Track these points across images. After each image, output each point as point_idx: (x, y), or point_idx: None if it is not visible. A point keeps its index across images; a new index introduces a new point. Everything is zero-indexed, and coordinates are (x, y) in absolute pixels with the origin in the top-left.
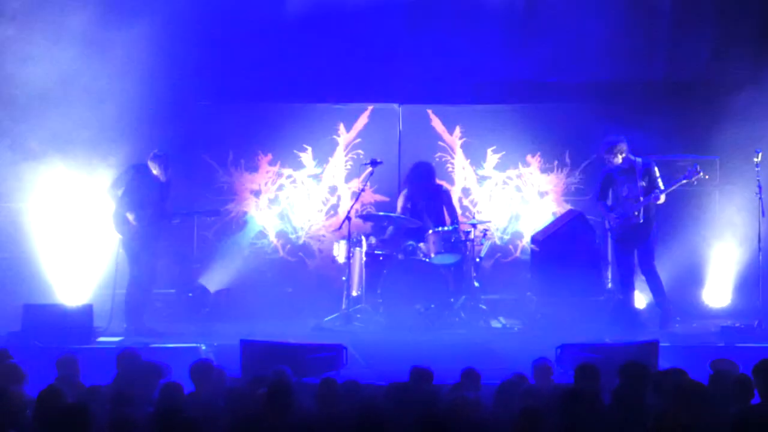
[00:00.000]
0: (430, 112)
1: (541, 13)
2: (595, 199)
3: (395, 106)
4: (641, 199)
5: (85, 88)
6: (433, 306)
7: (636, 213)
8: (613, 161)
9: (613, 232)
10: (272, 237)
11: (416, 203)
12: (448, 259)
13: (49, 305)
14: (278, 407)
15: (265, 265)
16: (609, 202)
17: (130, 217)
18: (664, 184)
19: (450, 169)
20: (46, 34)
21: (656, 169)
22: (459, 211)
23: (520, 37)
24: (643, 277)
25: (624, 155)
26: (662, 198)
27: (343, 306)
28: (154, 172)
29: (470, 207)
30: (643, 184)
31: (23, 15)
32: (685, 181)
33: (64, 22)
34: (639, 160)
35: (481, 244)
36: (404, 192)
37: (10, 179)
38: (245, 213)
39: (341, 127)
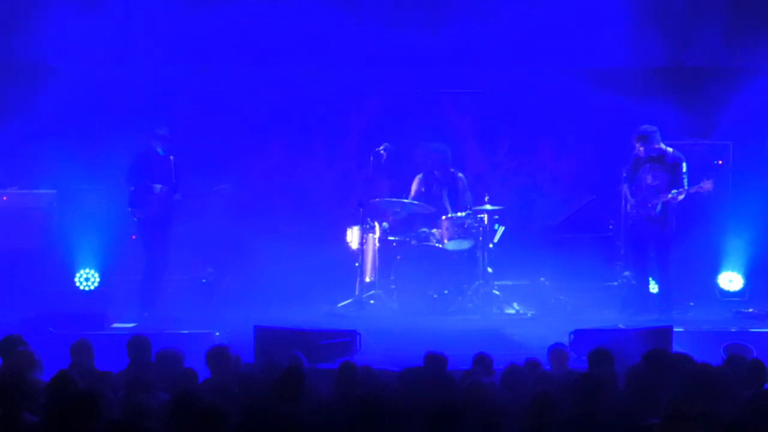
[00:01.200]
0: (443, 96)
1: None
2: (624, 180)
3: (410, 90)
4: (662, 192)
5: (93, 73)
6: (446, 292)
7: (654, 204)
8: (643, 149)
9: (631, 219)
10: None
11: (430, 188)
12: (462, 244)
13: (63, 291)
14: (292, 393)
15: (278, 251)
16: (634, 186)
17: (158, 186)
18: (688, 185)
19: (463, 154)
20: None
21: (684, 165)
22: (471, 197)
23: (539, 24)
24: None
25: (655, 144)
26: (679, 197)
27: (357, 292)
28: (158, 151)
29: (483, 192)
30: (668, 176)
31: None
32: (695, 190)
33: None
34: (670, 150)
35: (495, 230)
36: (418, 177)
37: (29, 165)
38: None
39: (353, 112)
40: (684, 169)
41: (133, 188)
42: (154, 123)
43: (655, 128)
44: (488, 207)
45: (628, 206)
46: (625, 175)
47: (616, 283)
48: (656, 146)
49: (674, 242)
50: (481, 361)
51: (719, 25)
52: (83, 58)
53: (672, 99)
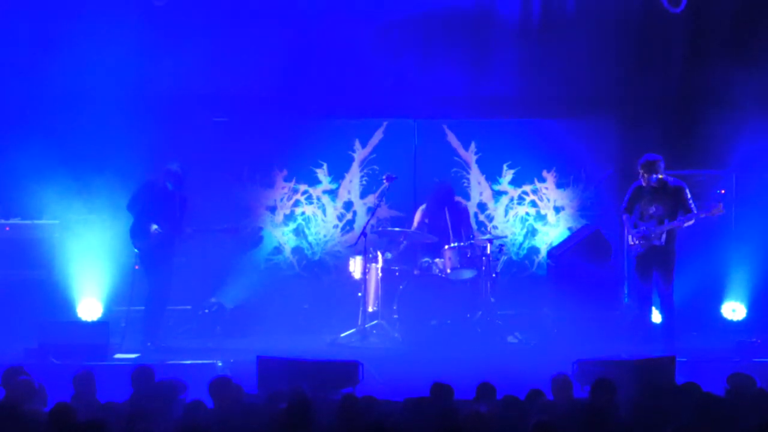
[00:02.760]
0: (445, 127)
1: (555, 27)
2: (621, 210)
3: (410, 121)
4: (666, 220)
5: (99, 104)
6: (449, 322)
7: (659, 235)
8: (647, 178)
9: (634, 249)
10: (288, 253)
11: (434, 218)
12: (465, 274)
13: (66, 322)
14: (297, 423)
15: (280, 281)
16: (633, 216)
17: (153, 227)
18: (696, 210)
19: (465, 185)
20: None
21: (687, 191)
22: (475, 226)
23: (535, 52)
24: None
25: (658, 174)
26: (686, 224)
27: (359, 322)
28: (168, 187)
29: (486, 222)
30: (672, 205)
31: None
32: (704, 216)
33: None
34: (672, 179)
35: (497, 260)
36: (422, 207)
37: (30, 196)
38: (261, 229)
39: (357, 143)
40: (688, 195)
41: (133, 220)
42: (161, 155)
43: (660, 157)
44: (491, 236)
45: (630, 237)
46: (623, 205)
47: (618, 313)
48: (659, 176)
49: (677, 272)
50: (484, 390)
51: (721, 55)
52: (87, 89)
53: (675, 128)
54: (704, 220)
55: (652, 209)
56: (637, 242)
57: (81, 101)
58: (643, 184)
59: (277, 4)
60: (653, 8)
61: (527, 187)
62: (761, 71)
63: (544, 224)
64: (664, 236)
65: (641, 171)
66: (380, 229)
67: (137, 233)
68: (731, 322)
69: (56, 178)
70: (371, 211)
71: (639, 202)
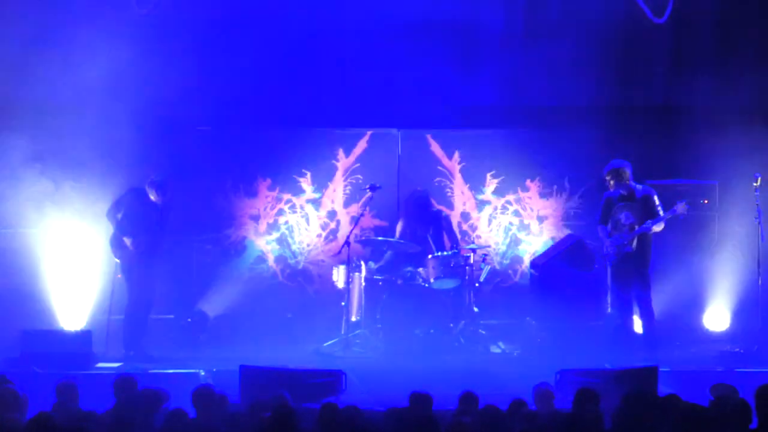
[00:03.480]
0: (429, 137)
1: (539, 38)
2: (596, 222)
3: (394, 131)
4: (636, 227)
5: (81, 112)
6: (432, 331)
7: (630, 242)
8: (614, 186)
9: (609, 258)
10: (271, 262)
11: (415, 229)
12: (448, 284)
13: (48, 331)
14: None
15: (264, 290)
16: (608, 227)
17: (128, 241)
18: (664, 212)
19: (449, 194)
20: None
21: (656, 198)
22: (458, 235)
23: (519, 62)
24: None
25: (626, 181)
26: (655, 228)
27: (343, 331)
28: (151, 197)
29: (469, 232)
30: (640, 212)
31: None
32: (670, 216)
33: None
34: (640, 187)
35: (481, 269)
36: (403, 218)
37: (10, 205)
38: (244, 238)
39: (340, 152)
40: (656, 201)
41: (113, 229)
42: (143, 164)
43: (626, 163)
44: (474, 246)
45: (605, 247)
46: (597, 217)
47: (601, 323)
48: (627, 183)
49: (655, 280)
50: (467, 400)
51: (706, 65)
52: (68, 96)
53: (658, 138)
54: (686, 228)
55: (623, 217)
56: (611, 251)
57: (61, 108)
58: (611, 191)
59: (260, 14)
60: (637, 18)
61: (511, 197)
62: (744, 81)
63: (528, 234)
64: (635, 242)
65: (608, 178)
66: (364, 238)
67: (117, 243)
68: (714, 333)
69: (37, 186)
70: (355, 220)
71: (611, 212)
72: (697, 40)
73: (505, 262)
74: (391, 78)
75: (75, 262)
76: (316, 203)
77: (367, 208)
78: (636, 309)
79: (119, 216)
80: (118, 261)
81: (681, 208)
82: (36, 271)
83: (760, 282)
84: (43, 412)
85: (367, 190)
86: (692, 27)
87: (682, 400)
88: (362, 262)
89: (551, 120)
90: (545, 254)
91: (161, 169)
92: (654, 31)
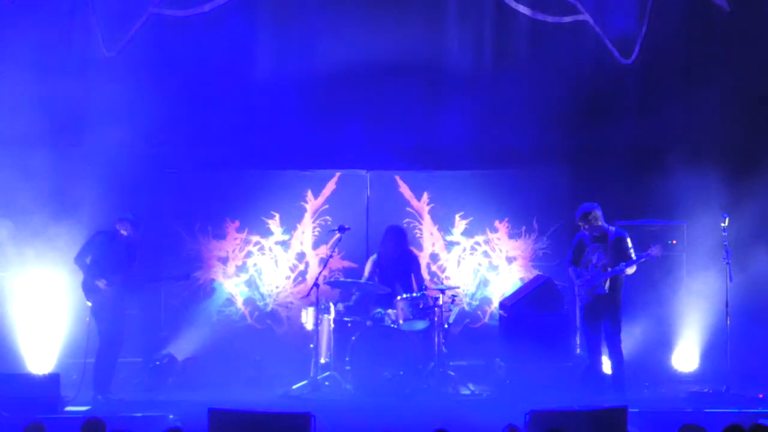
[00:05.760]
0: (397, 178)
1: (508, 78)
2: (567, 263)
3: (363, 172)
4: (609, 269)
5: (46, 156)
6: (401, 373)
7: (602, 283)
8: (586, 228)
9: (580, 300)
10: (240, 304)
11: (384, 269)
12: (417, 325)
13: (16, 375)
14: None
15: (232, 332)
16: (579, 268)
17: (101, 284)
18: (636, 255)
19: (418, 235)
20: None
21: (629, 240)
22: (427, 276)
23: (488, 103)
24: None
25: (597, 223)
26: (628, 270)
27: (312, 373)
28: (124, 232)
29: (438, 273)
30: (612, 254)
31: None
32: (644, 260)
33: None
34: (612, 228)
35: (450, 310)
36: (373, 257)
37: None
38: (213, 280)
39: (309, 194)
40: (629, 244)
41: (84, 274)
42: (111, 206)
43: (595, 205)
44: (443, 287)
45: (576, 288)
46: (568, 258)
47: (571, 364)
48: (598, 224)
49: (626, 320)
50: None
51: (673, 106)
52: (38, 136)
53: (626, 179)
54: (655, 268)
55: (595, 259)
56: (582, 293)
57: (30, 149)
58: (583, 232)
59: (228, 57)
60: (605, 59)
61: (479, 238)
62: (712, 121)
63: (497, 274)
64: (607, 284)
65: (580, 223)
66: (333, 279)
67: (89, 287)
68: (683, 373)
69: (7, 226)
70: (324, 261)
71: (582, 254)
72: (664, 80)
73: (474, 303)
74: (359, 119)
75: (43, 305)
76: (284, 245)
77: (336, 250)
78: (605, 350)
79: (88, 260)
80: (89, 304)
81: (656, 251)
82: (6, 313)
83: (728, 322)
84: None
85: (336, 232)
86: (659, 67)
87: None
88: (331, 304)
89: (520, 161)
90: (514, 295)
91: (129, 211)
92: (622, 71)
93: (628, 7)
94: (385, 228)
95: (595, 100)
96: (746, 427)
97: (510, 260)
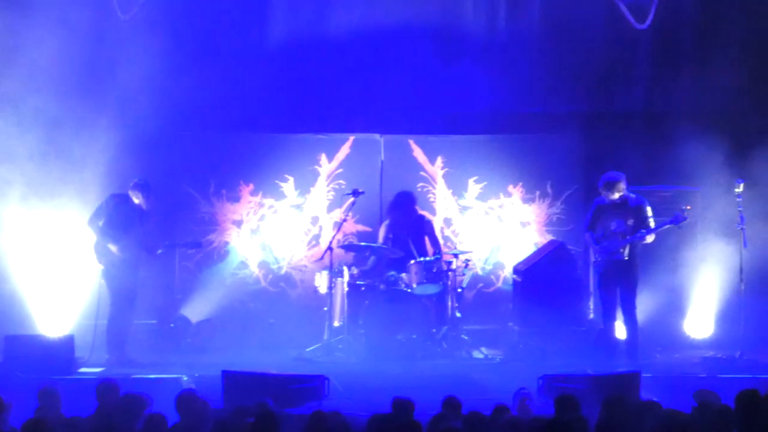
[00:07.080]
0: (411, 142)
1: (521, 43)
2: (584, 229)
3: (377, 136)
4: (628, 236)
5: (62, 119)
6: (414, 336)
7: (621, 249)
8: (609, 197)
9: (597, 265)
10: (254, 267)
11: (398, 233)
12: (430, 289)
13: (31, 336)
14: None
15: (246, 295)
16: (597, 234)
17: (113, 248)
18: (654, 223)
19: (432, 200)
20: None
21: (649, 208)
22: (441, 241)
23: (502, 67)
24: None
25: (621, 193)
26: (648, 238)
27: (325, 336)
28: (136, 200)
29: (452, 237)
30: (632, 221)
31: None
32: (669, 226)
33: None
34: (633, 196)
35: (463, 275)
36: (386, 222)
37: None
38: (227, 243)
39: (323, 158)
40: (649, 213)
41: (97, 236)
42: (125, 169)
43: (622, 176)
44: (457, 251)
45: (592, 254)
46: (586, 223)
47: (584, 328)
48: (619, 193)
49: (642, 287)
50: (450, 405)
51: (687, 72)
52: (51, 100)
53: (641, 144)
54: (669, 234)
55: (614, 226)
56: (600, 258)
57: (45, 112)
58: (606, 201)
59: (243, 20)
60: (619, 24)
61: (493, 202)
62: (726, 87)
63: (510, 239)
64: (627, 250)
65: (603, 191)
66: (346, 243)
67: (101, 250)
68: (696, 339)
69: (14, 193)
70: (338, 225)
71: (601, 219)
72: (678, 45)
73: (487, 267)
74: (373, 83)
75: (59, 268)
76: (298, 208)
77: (350, 214)
78: (620, 315)
79: (101, 223)
80: (101, 267)
81: (681, 217)
82: (20, 277)
83: (742, 288)
84: (33, 418)
85: (350, 196)
86: (674, 32)
87: (661, 407)
88: (345, 268)
89: (534, 126)
90: (528, 260)
91: (143, 175)
92: (636, 36)
93: None
94: (395, 194)
95: (610, 65)
96: (761, 392)
97: (524, 225)
